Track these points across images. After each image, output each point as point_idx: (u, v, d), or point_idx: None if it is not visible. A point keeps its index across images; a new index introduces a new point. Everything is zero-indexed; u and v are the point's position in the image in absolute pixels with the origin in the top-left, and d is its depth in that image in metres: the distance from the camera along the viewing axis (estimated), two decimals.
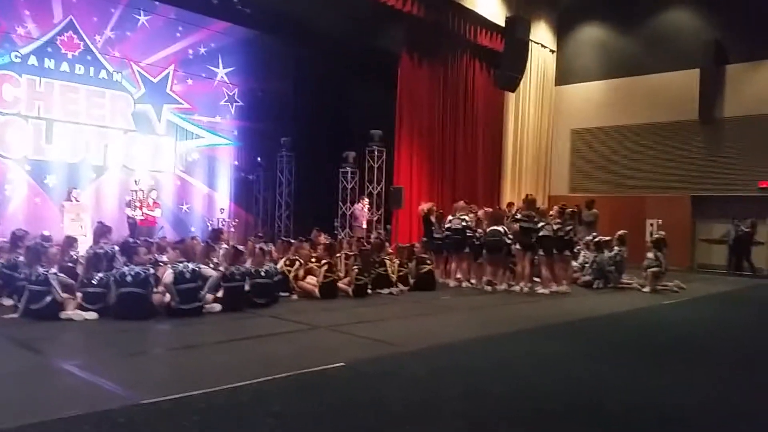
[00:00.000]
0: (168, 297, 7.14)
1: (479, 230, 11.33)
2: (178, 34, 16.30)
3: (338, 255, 10.05)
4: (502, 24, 17.58)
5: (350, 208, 16.06)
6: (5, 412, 3.67)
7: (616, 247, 12.17)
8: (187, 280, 7.13)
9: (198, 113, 16.89)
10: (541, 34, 19.92)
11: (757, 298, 12.08)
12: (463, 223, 11.32)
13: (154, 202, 13.86)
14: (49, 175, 14.05)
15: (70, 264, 8.01)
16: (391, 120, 15.89)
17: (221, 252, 9.23)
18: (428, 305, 9.04)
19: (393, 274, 10.22)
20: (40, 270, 6.83)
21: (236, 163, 17.77)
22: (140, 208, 13.41)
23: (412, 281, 10.52)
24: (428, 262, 10.99)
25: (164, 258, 8.94)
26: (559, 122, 20.71)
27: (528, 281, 10.84)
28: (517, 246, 10.84)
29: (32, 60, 13.82)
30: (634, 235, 14.01)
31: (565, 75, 20.71)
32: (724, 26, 17.55)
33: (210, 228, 14.43)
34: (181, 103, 16.49)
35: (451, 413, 3.99)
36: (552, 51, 20.64)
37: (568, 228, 10.90)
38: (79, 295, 6.99)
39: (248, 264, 8.36)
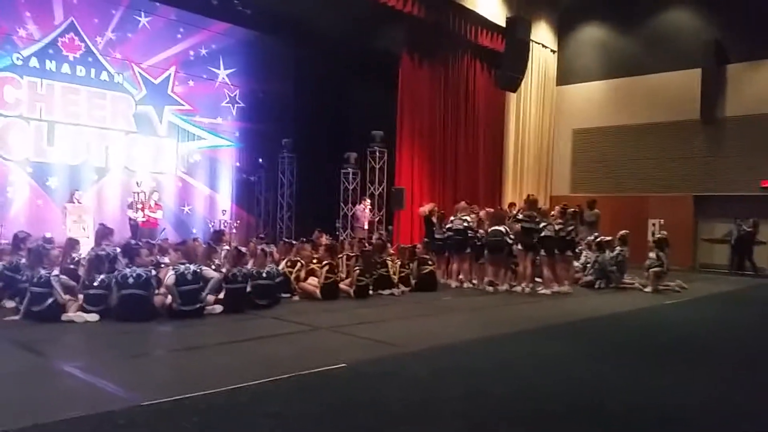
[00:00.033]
0: (169, 299, 7.15)
1: (480, 231, 11.33)
2: (179, 36, 16.31)
3: (340, 256, 10.05)
4: (503, 24, 17.57)
5: (351, 209, 16.06)
6: (7, 414, 3.67)
7: (617, 247, 12.15)
8: (188, 282, 7.13)
9: (199, 115, 16.90)
10: (542, 34, 19.91)
11: (759, 298, 12.05)
12: (465, 224, 11.32)
13: (156, 204, 13.87)
14: (50, 177, 14.06)
15: (71, 266, 8.02)
16: (392, 121, 15.89)
17: (223, 253, 9.24)
18: (430, 306, 9.04)
19: (394, 275, 10.22)
20: (42, 272, 6.84)
21: (238, 164, 17.78)
22: (142, 210, 13.42)
23: (413, 282, 10.52)
24: (430, 262, 10.98)
25: (166, 260, 8.96)
26: (560, 122, 20.70)
27: (529, 282, 10.84)
28: (519, 246, 10.83)
29: (33, 62, 13.83)
30: (636, 235, 14.01)
31: (566, 75, 20.70)
32: (724, 26, 17.54)
33: (212, 229, 14.44)
34: (182, 105, 16.50)
35: (452, 414, 3.99)
36: (553, 51, 20.63)
37: (570, 228, 10.90)
38: (80, 297, 7.01)
39: (250, 265, 8.37)
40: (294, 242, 10.59)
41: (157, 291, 7.26)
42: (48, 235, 10.38)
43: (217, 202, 17.22)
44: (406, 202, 15.59)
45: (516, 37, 17.42)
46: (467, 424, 3.81)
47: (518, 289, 10.71)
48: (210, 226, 15.84)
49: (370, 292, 9.57)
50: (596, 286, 11.78)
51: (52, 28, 14.05)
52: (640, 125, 18.85)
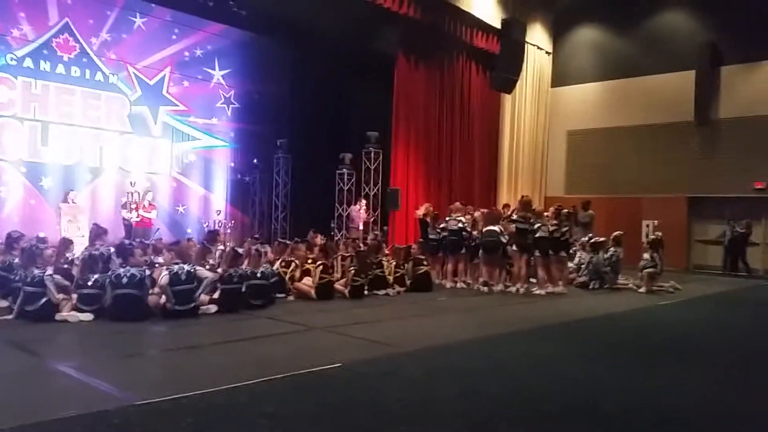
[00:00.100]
0: (163, 298, 7.13)
1: (475, 232, 11.34)
2: (174, 37, 16.28)
3: (335, 256, 10.04)
4: (498, 26, 17.60)
5: (347, 210, 16.06)
6: (1, 414, 3.66)
7: (611, 248, 12.17)
8: (182, 282, 7.12)
9: (194, 115, 16.87)
10: (537, 35, 19.95)
11: (752, 299, 12.11)
12: (460, 225, 11.33)
13: (150, 204, 13.84)
14: (44, 177, 14.02)
15: (65, 266, 8.00)
16: (388, 122, 15.90)
17: (218, 253, 9.22)
18: (425, 306, 9.05)
19: (390, 275, 10.23)
20: (36, 272, 6.82)
21: (232, 164, 17.76)
22: (136, 210, 13.38)
23: (408, 282, 10.53)
24: (425, 263, 10.98)
25: (160, 259, 8.93)
26: (555, 124, 20.74)
27: (524, 282, 10.86)
28: (514, 247, 10.85)
29: (28, 62, 13.79)
30: (630, 236, 14.05)
31: (561, 77, 20.76)
32: (719, 28, 17.62)
33: (206, 230, 14.41)
34: (177, 105, 16.47)
35: (447, 414, 3.99)
36: (548, 53, 20.68)
37: (564, 229, 10.93)
38: (74, 296, 6.99)
39: (245, 266, 8.35)
40: (288, 242, 10.58)
41: (151, 291, 7.24)
42: (41, 234, 10.33)
43: (212, 202, 17.20)
44: (402, 203, 15.60)
45: (511, 38, 17.47)
46: (463, 424, 3.81)
47: (513, 289, 10.73)
48: (204, 226, 15.80)
49: (366, 292, 9.57)
50: (590, 287, 11.80)
51: (46, 28, 14.01)
52: (635, 127, 18.91)
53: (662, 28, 18.76)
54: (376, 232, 14.86)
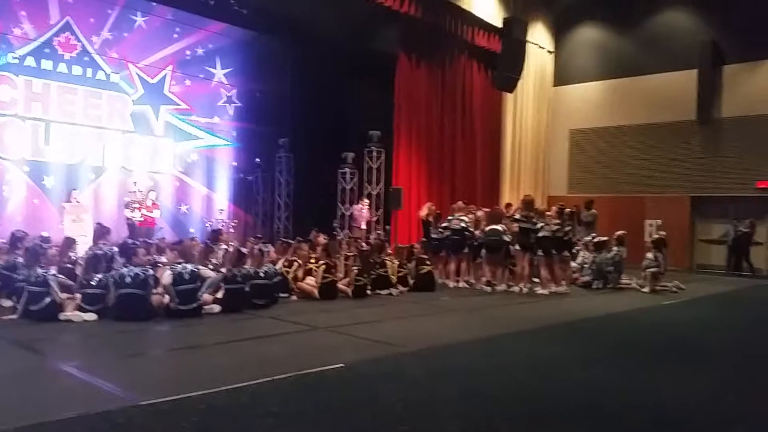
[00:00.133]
0: (167, 298, 7.14)
1: (477, 231, 11.32)
2: (176, 35, 16.27)
3: (337, 256, 10.03)
4: (500, 25, 17.59)
5: (349, 209, 16.05)
6: (4, 413, 3.66)
7: (614, 248, 12.16)
8: (185, 281, 7.13)
9: (196, 114, 16.86)
10: (539, 35, 19.93)
11: (756, 299, 12.09)
12: (462, 224, 11.32)
13: (153, 204, 13.83)
14: (47, 176, 14.02)
15: (69, 265, 8.01)
16: (390, 121, 15.90)
17: (221, 253, 9.22)
18: (427, 306, 9.04)
19: (393, 275, 10.22)
20: (39, 271, 6.83)
21: (235, 164, 17.75)
22: (139, 210, 13.37)
23: (411, 282, 10.52)
24: (428, 262, 10.98)
25: (163, 259, 8.93)
26: (557, 123, 20.72)
27: (527, 282, 10.84)
28: (516, 246, 10.84)
29: (29, 61, 13.79)
30: (633, 235, 14.04)
31: (563, 76, 20.74)
32: (720, 27, 17.59)
33: (209, 229, 14.41)
34: (178, 104, 16.47)
35: (449, 414, 3.99)
36: (550, 52, 20.66)
37: (567, 228, 10.92)
38: (78, 296, 6.99)
39: (247, 265, 8.35)
40: (291, 242, 10.58)
41: (154, 290, 7.25)
42: (45, 234, 10.35)
43: (215, 201, 17.20)
44: (404, 202, 15.59)
45: (513, 37, 17.45)
46: (465, 425, 3.81)
47: (516, 289, 10.73)
48: (207, 225, 15.81)
49: (369, 292, 9.57)
50: (593, 287, 11.79)
51: (47, 27, 14.00)
52: (637, 126, 18.90)
53: (664, 27, 18.73)
54: (378, 232, 14.86)
